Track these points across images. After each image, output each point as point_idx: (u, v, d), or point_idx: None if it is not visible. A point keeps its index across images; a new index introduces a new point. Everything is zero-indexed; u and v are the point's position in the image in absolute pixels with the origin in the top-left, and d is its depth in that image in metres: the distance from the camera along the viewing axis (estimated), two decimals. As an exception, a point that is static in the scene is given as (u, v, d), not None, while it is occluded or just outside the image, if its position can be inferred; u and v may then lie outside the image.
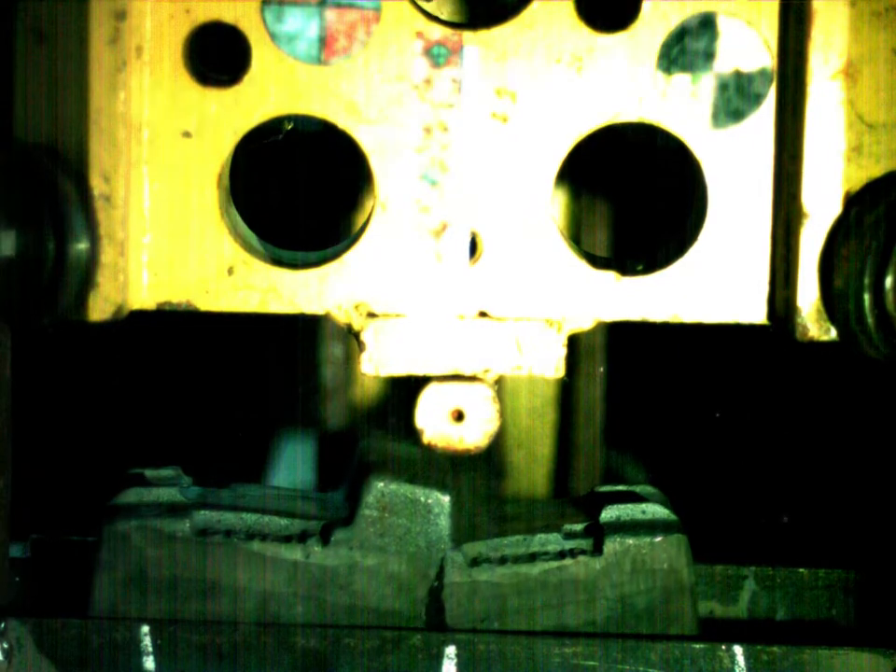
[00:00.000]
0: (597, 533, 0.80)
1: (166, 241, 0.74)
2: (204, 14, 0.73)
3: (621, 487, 0.84)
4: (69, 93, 0.72)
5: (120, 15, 0.72)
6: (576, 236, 1.05)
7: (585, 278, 0.75)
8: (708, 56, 0.73)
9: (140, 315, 0.75)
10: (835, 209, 0.71)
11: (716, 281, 0.74)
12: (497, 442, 0.76)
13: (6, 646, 0.78)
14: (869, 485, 1.00)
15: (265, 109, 0.74)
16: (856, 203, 0.71)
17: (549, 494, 1.08)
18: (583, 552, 0.80)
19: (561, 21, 0.73)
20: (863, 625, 0.86)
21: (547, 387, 1.07)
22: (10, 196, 0.69)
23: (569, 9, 0.73)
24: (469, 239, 0.75)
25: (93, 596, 0.80)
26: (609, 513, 0.81)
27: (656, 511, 0.81)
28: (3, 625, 0.78)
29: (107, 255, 0.72)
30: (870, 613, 0.86)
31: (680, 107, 0.73)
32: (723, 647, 0.78)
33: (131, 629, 0.78)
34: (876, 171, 0.71)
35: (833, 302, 0.70)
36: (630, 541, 0.80)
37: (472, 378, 0.74)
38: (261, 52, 0.73)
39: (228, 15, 0.73)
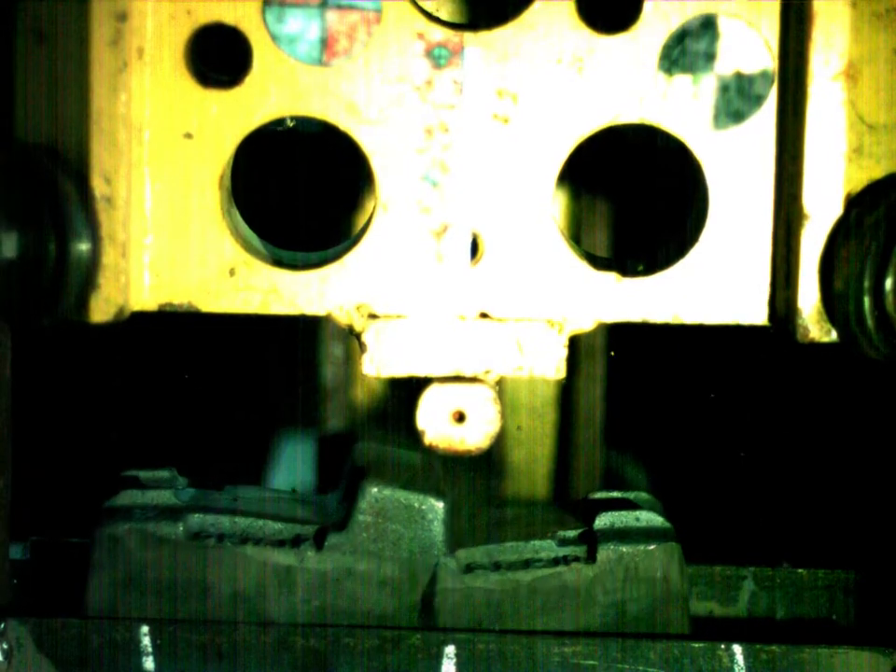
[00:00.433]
0: (591, 540, 0.81)
1: (167, 242, 0.74)
2: (205, 15, 0.73)
3: (615, 494, 0.84)
4: (70, 94, 0.72)
5: (121, 16, 0.71)
6: (576, 237, 1.05)
7: (586, 279, 0.75)
8: (709, 57, 0.73)
9: (140, 315, 0.75)
10: (836, 210, 0.72)
11: (717, 282, 0.74)
12: (497, 442, 0.76)
13: (5, 646, 0.78)
14: (869, 486, 1.00)
15: (266, 110, 0.74)
16: (856, 204, 0.71)
17: (549, 494, 1.08)
18: (577, 559, 0.80)
19: (562, 22, 0.73)
20: (863, 625, 0.86)
21: (547, 387, 1.07)
22: (11, 197, 0.69)
23: (570, 11, 0.73)
24: (470, 240, 0.75)
25: (87, 599, 0.80)
26: (602, 520, 0.81)
27: (650, 518, 0.81)
28: (3, 625, 0.78)
29: (109, 256, 0.72)
30: (869, 613, 0.86)
31: (681, 108, 0.73)
32: (722, 646, 0.78)
33: (130, 629, 0.78)
34: (877, 172, 0.71)
35: (833, 304, 0.70)
36: (624, 549, 0.80)
37: (473, 379, 0.74)
38: (262, 53, 0.73)
39: (229, 16, 0.73)
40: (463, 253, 0.75)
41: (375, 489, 0.80)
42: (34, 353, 0.82)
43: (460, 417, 0.74)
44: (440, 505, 0.80)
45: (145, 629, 0.78)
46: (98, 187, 0.72)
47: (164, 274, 0.74)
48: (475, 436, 0.74)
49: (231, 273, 0.75)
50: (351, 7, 0.73)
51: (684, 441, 1.08)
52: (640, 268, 0.76)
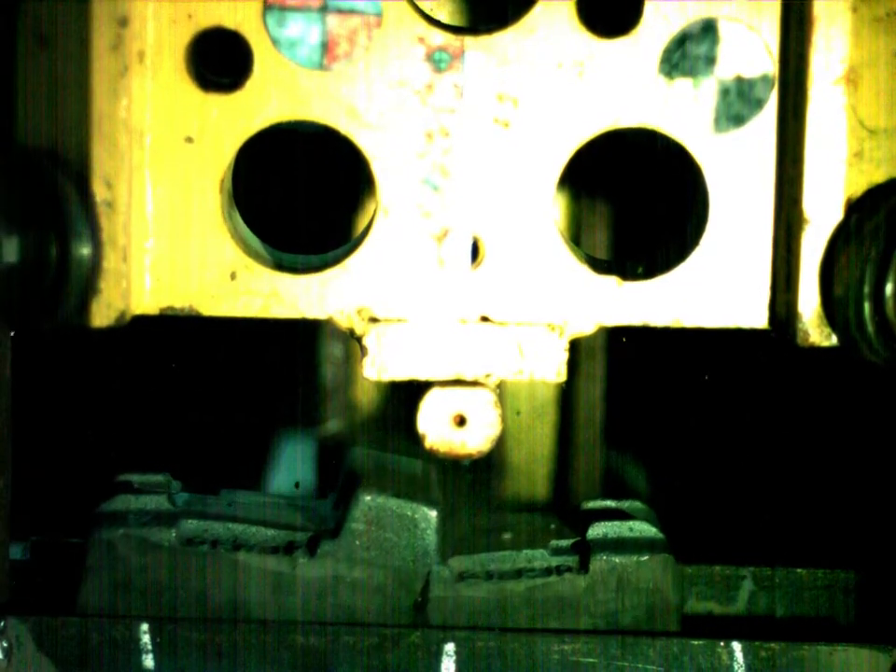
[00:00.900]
0: (584, 550, 0.81)
1: (169, 246, 0.74)
2: (206, 19, 0.73)
3: (609, 503, 0.84)
4: (71, 98, 0.72)
5: (122, 20, 0.71)
6: (577, 240, 1.05)
7: (587, 283, 0.75)
8: (710, 61, 0.73)
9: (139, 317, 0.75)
10: (837, 215, 0.72)
11: (717, 286, 0.74)
12: (497, 442, 0.76)
13: (5, 644, 0.78)
14: (869, 486, 1.00)
15: (267, 114, 0.74)
16: (857, 208, 0.71)
17: (548, 494, 1.08)
18: (570, 569, 0.80)
19: (562, 26, 0.73)
20: (862, 624, 0.86)
21: (547, 387, 1.07)
22: (12, 200, 0.69)
23: (571, 14, 0.73)
24: (470, 244, 0.75)
25: (80, 604, 0.80)
26: (596, 530, 0.81)
27: (643, 529, 0.81)
28: (3, 624, 0.78)
29: (110, 260, 0.72)
30: (869, 613, 0.86)
31: (682, 112, 0.73)
32: (722, 643, 0.78)
33: (130, 627, 0.78)
34: (878, 176, 0.71)
35: (833, 309, 0.71)
36: (616, 560, 0.80)
37: (474, 383, 0.75)
38: (263, 57, 0.73)
39: (229, 20, 0.73)
40: (464, 257, 0.75)
41: (369, 497, 0.80)
42: (35, 355, 0.82)
43: (461, 421, 0.74)
44: (433, 514, 0.80)
45: (144, 627, 0.78)
46: (99, 191, 0.72)
47: (165, 278, 0.74)
48: (476, 440, 0.74)
49: (233, 276, 0.75)
50: (352, 12, 0.73)
51: (684, 442, 1.08)
52: (640, 270, 0.76)
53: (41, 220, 0.69)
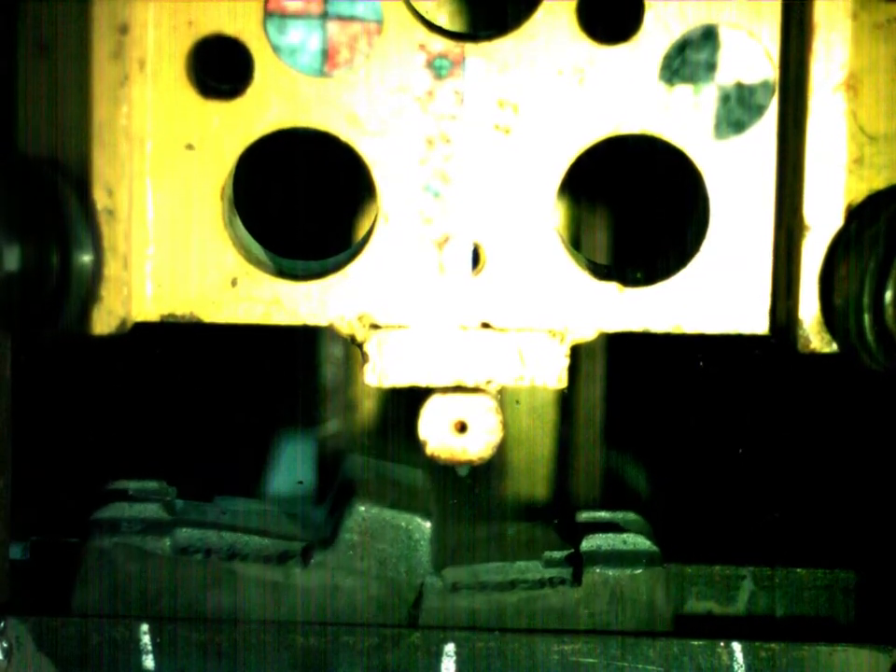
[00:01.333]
0: (577, 562, 0.81)
1: (170, 253, 0.74)
2: (207, 27, 0.73)
3: (603, 514, 0.84)
4: (71, 106, 0.72)
5: (123, 28, 0.71)
6: (577, 246, 1.05)
7: (588, 289, 0.75)
8: (710, 67, 0.73)
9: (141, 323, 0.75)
10: (837, 221, 0.72)
11: (718, 292, 0.74)
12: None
13: (5, 644, 0.78)
14: (868, 487, 1.00)
15: (267, 121, 0.74)
16: (857, 215, 0.71)
17: (548, 494, 1.08)
18: (563, 581, 0.81)
19: (563, 32, 0.73)
20: (862, 624, 0.86)
21: (547, 389, 1.07)
22: (13, 208, 0.69)
23: (571, 21, 0.73)
24: (471, 250, 0.75)
25: (74, 612, 0.80)
26: (589, 543, 0.81)
27: (638, 541, 0.81)
28: (3, 624, 0.78)
29: (111, 268, 0.72)
30: (869, 613, 0.86)
31: (682, 119, 0.73)
32: (722, 643, 0.78)
33: (130, 628, 0.78)
34: (878, 182, 0.72)
35: (833, 317, 0.71)
36: (610, 572, 0.80)
37: (475, 389, 0.75)
38: (264, 65, 0.73)
39: (230, 27, 0.73)
40: (464, 263, 0.75)
41: (363, 507, 0.80)
42: (38, 361, 0.82)
43: (462, 427, 0.74)
44: (426, 525, 0.80)
45: (144, 627, 0.78)
46: (100, 198, 0.72)
47: (166, 285, 0.74)
48: (477, 446, 0.75)
49: (233, 283, 0.75)
50: (352, 18, 0.73)
51: (684, 442, 1.08)
52: (639, 275, 0.76)
53: (42, 228, 0.69)
